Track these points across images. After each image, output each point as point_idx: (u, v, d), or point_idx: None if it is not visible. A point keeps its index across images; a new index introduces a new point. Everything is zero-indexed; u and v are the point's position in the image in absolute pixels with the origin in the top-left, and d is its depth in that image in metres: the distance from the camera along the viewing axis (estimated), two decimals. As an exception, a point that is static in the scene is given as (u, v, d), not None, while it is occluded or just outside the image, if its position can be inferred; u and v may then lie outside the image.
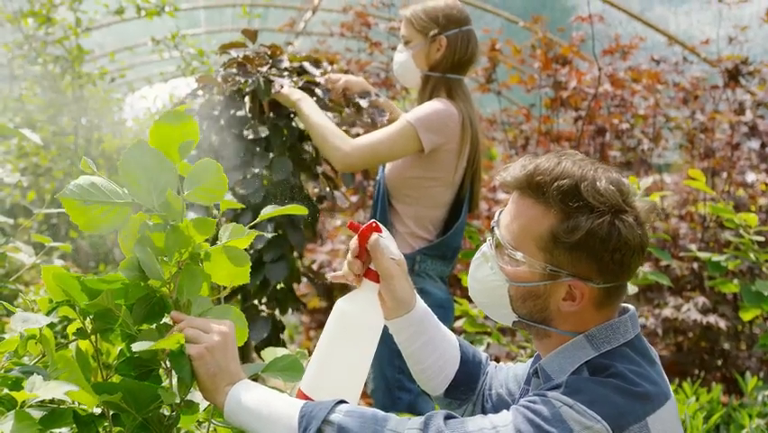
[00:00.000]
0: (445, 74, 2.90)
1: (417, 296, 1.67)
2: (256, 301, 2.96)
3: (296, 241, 2.86)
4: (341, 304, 1.56)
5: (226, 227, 1.49)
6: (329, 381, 1.50)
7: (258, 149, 2.87)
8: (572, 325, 1.47)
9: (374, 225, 1.58)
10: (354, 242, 1.58)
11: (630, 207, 1.43)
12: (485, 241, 1.56)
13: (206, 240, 1.47)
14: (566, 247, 1.40)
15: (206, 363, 1.39)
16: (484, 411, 1.72)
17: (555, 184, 1.40)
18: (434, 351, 1.68)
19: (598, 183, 1.41)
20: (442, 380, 1.71)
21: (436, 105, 2.83)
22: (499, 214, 1.53)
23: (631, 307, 1.52)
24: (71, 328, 1.48)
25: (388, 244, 1.58)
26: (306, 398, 1.48)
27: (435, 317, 1.72)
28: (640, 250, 1.43)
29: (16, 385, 1.33)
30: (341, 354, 1.53)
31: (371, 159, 2.81)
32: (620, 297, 1.48)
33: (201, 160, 1.40)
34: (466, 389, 1.73)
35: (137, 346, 1.31)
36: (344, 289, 5.09)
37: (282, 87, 2.83)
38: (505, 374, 1.74)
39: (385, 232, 1.60)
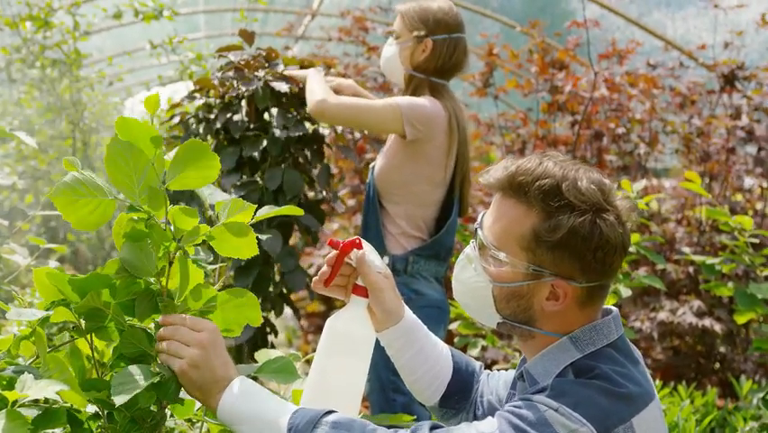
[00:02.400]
0: (428, 77, 2.91)
1: (406, 307, 1.68)
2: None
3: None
4: (332, 322, 1.57)
5: (225, 203, 1.47)
6: (327, 399, 1.50)
7: (254, 155, 2.88)
8: (556, 325, 1.47)
9: (357, 241, 1.59)
10: (333, 253, 1.60)
11: (611, 206, 1.43)
12: None
13: (209, 222, 1.48)
14: (548, 246, 1.41)
15: (190, 378, 1.39)
16: (476, 418, 1.72)
17: (537, 184, 1.41)
18: (426, 361, 1.69)
19: (579, 183, 1.42)
20: (435, 389, 1.71)
21: (426, 101, 2.85)
22: (482, 216, 1.53)
23: (614, 308, 1.53)
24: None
25: (373, 259, 1.59)
26: None
27: (425, 327, 1.72)
28: (622, 249, 1.44)
29: (10, 385, 1.33)
30: (336, 371, 1.54)
31: (346, 117, 2.81)
32: (603, 296, 1.49)
33: (185, 143, 1.39)
34: (460, 398, 1.73)
35: (117, 399, 1.30)
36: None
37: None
38: (496, 381, 1.75)
39: (368, 246, 1.60)
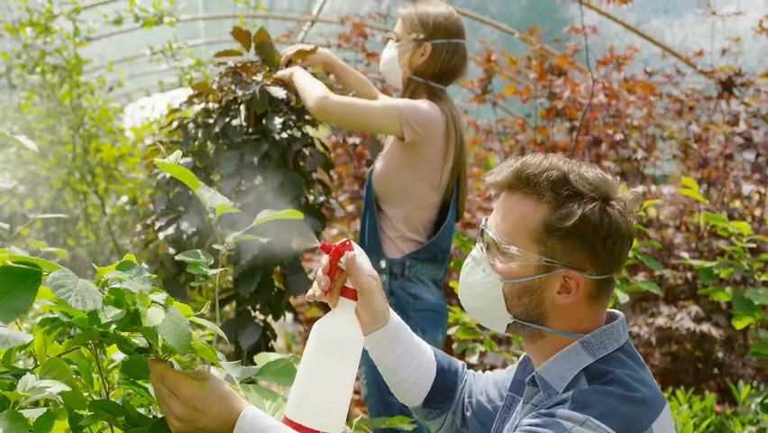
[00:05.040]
0: (427, 81, 2.93)
1: (391, 309, 1.67)
2: (249, 307, 2.97)
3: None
4: (320, 325, 1.53)
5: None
6: (315, 404, 1.47)
7: (255, 160, 2.89)
8: (566, 323, 1.48)
9: (347, 242, 1.56)
10: (325, 259, 1.56)
11: (617, 196, 1.46)
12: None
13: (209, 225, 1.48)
14: (560, 236, 1.42)
15: None
16: (464, 420, 1.73)
17: (545, 175, 1.44)
18: (411, 362, 1.68)
19: (585, 173, 1.45)
20: (419, 391, 1.71)
21: (424, 104, 2.87)
22: (486, 220, 1.54)
23: (620, 312, 1.54)
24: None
25: (362, 261, 1.57)
26: (293, 424, 1.45)
27: (409, 329, 1.71)
28: (629, 238, 1.46)
29: (12, 388, 1.33)
30: (324, 375, 1.50)
31: (346, 116, 2.79)
32: (609, 293, 1.50)
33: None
34: (444, 398, 1.73)
35: None
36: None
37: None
38: (484, 381, 1.75)
39: (358, 249, 1.58)
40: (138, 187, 5.75)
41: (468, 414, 1.72)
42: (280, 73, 2.93)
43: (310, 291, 1.59)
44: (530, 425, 1.36)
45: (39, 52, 5.42)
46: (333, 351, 1.50)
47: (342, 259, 1.55)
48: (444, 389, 1.72)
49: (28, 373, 1.33)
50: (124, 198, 5.93)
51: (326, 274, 1.55)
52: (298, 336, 6.92)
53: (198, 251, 1.64)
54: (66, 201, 5.88)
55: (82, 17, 5.58)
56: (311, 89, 2.77)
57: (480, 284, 1.52)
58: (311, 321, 5.88)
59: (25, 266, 1.23)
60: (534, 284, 1.46)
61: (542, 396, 1.46)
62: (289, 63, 2.99)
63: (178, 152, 1.53)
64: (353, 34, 5.64)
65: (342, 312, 1.56)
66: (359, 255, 1.56)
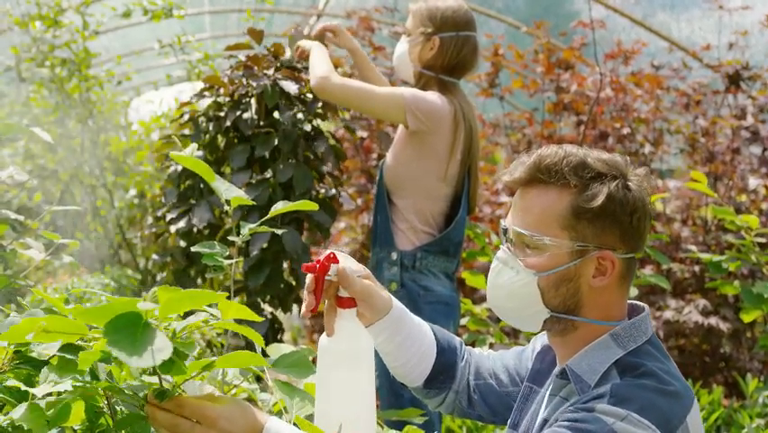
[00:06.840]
0: (437, 74, 2.94)
1: (392, 297, 1.64)
2: (259, 300, 2.99)
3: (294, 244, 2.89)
4: (324, 341, 1.49)
5: None
6: (341, 418, 1.43)
7: (265, 154, 2.91)
8: (600, 309, 1.49)
9: (332, 255, 1.51)
10: (310, 278, 1.49)
11: (632, 173, 1.49)
12: (490, 244, 1.57)
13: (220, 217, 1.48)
14: (589, 218, 1.44)
15: None
16: (471, 403, 1.72)
17: (565, 162, 1.46)
18: (412, 346, 1.66)
19: (600, 156, 1.48)
20: (420, 373, 1.70)
21: (432, 95, 2.89)
22: (504, 220, 1.54)
23: (644, 305, 1.55)
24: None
25: (350, 266, 1.52)
26: None
27: (410, 312, 1.69)
28: (649, 214, 1.49)
29: (27, 379, 1.34)
30: (343, 389, 1.46)
31: (347, 97, 2.84)
32: (634, 275, 1.53)
33: None
34: (445, 378, 1.72)
35: None
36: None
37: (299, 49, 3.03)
38: (491, 363, 1.74)
39: (342, 256, 1.53)
40: (146, 180, 5.77)
41: (475, 397, 1.72)
42: (306, 42, 2.99)
43: (303, 309, 1.52)
44: (570, 420, 1.36)
45: (48, 46, 5.44)
46: (345, 364, 1.47)
47: (330, 273, 1.49)
48: (444, 369, 1.72)
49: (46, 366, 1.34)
50: (132, 192, 5.95)
51: (311, 293, 1.49)
52: (304, 330, 6.94)
53: (214, 242, 1.65)
54: (74, 195, 5.90)
55: (90, 11, 5.59)
56: (316, 67, 2.82)
57: (511, 284, 1.51)
58: (316, 315, 5.89)
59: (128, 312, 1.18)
60: (569, 272, 1.47)
61: (572, 389, 1.46)
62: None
63: (194, 145, 1.54)
64: (360, 28, 5.64)
65: (344, 323, 1.51)
66: (344, 262, 1.52)
